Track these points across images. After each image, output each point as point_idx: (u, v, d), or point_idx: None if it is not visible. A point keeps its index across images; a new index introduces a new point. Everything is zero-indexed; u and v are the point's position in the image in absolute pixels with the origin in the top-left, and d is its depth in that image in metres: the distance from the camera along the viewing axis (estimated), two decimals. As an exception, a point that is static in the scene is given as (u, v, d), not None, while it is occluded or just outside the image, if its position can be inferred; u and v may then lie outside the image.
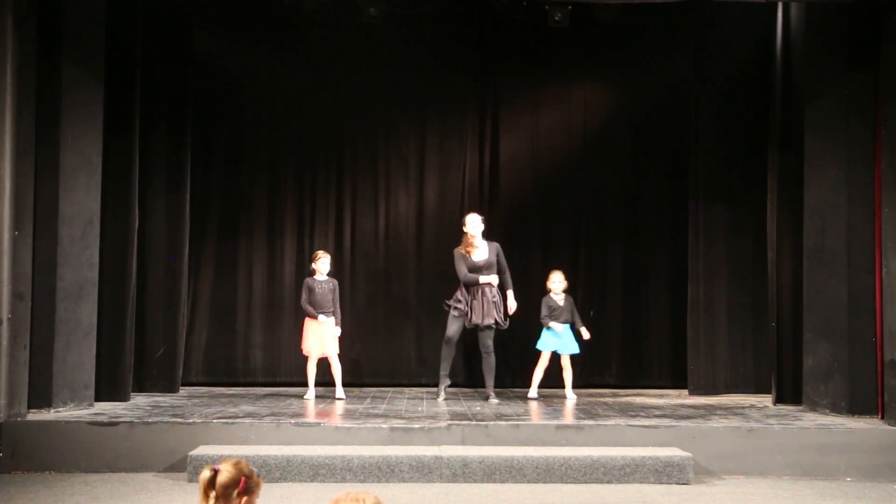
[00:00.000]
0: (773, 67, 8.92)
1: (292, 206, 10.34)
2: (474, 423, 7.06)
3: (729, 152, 9.60)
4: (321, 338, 8.67)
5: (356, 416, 7.45)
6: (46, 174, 7.39)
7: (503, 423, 7.10)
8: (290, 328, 9.99)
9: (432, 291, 9.74)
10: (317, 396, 8.72)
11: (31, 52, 7.13)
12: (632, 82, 10.55)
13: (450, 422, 7.08)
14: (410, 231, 10.44)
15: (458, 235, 9.03)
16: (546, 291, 9.02)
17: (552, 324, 8.88)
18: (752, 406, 8.57)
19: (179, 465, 6.56)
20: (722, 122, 9.60)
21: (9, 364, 6.84)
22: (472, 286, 8.60)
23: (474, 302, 8.58)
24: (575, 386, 9.22)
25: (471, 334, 8.87)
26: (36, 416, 7.11)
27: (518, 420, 7.30)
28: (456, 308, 8.58)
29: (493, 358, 8.68)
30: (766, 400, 8.90)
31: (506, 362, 9.82)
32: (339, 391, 8.75)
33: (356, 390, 9.51)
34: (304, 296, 8.74)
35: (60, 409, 7.40)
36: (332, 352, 8.72)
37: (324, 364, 8.81)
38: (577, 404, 8.56)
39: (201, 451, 6.43)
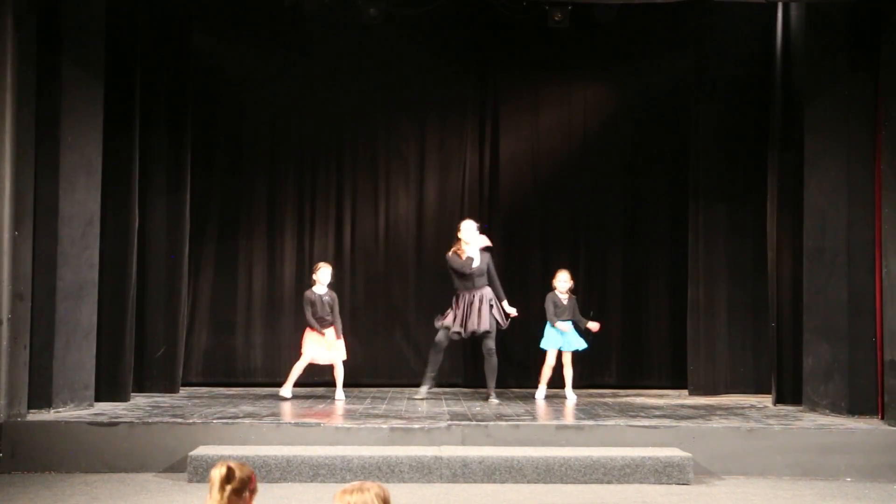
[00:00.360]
0: (773, 67, 8.92)
1: (292, 206, 10.34)
2: (474, 423, 7.06)
3: (729, 152, 9.60)
4: (324, 347, 8.66)
5: (356, 417, 7.44)
6: (46, 174, 7.39)
7: (503, 423, 7.10)
8: (290, 328, 9.99)
9: (432, 291, 9.75)
10: (316, 397, 8.72)
11: (31, 52, 7.13)
12: (632, 82, 10.55)
13: (450, 422, 7.08)
14: (410, 231, 10.44)
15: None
16: (551, 289, 9.01)
17: (559, 323, 8.87)
18: (752, 406, 8.58)
19: (179, 466, 6.56)
20: (722, 122, 9.60)
21: (9, 364, 6.83)
22: (461, 294, 8.60)
23: (470, 309, 8.57)
24: (575, 386, 9.23)
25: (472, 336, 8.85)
26: (36, 416, 7.11)
27: (518, 420, 7.30)
28: (442, 321, 8.60)
29: (495, 359, 8.68)
30: (766, 400, 8.90)
31: (507, 361, 9.84)
32: (340, 392, 8.74)
33: (356, 390, 9.50)
34: (307, 311, 8.70)
35: (60, 409, 7.40)
36: (338, 359, 8.73)
37: (317, 367, 8.83)
38: (577, 404, 8.56)
39: (201, 451, 6.43)
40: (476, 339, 8.78)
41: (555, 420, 7.41)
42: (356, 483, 2.94)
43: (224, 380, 9.98)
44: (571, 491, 6.19)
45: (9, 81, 6.83)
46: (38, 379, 7.26)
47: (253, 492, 3.20)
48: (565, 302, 8.97)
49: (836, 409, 7.78)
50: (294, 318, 9.93)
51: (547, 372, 9.00)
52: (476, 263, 8.66)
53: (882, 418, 7.45)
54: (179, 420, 7.02)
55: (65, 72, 7.54)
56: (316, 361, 8.73)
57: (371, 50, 10.07)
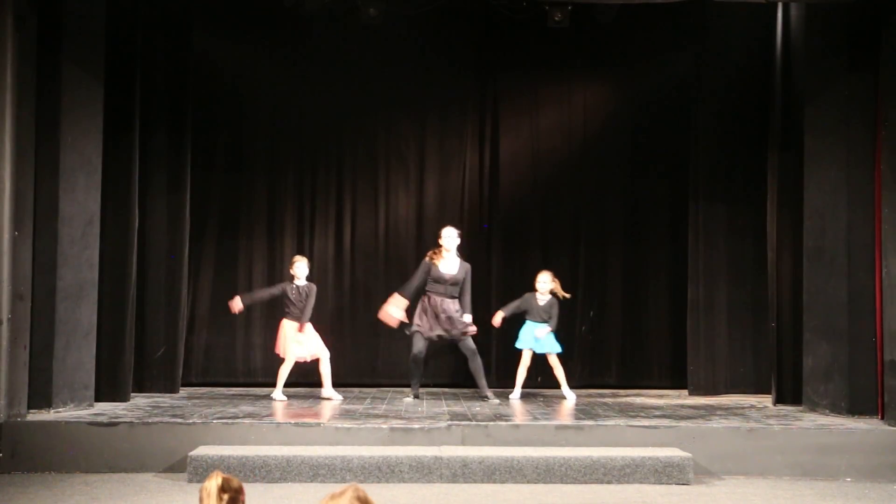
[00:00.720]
0: (773, 67, 8.92)
1: (292, 206, 10.34)
2: (474, 423, 7.06)
3: (729, 152, 9.60)
4: (305, 344, 8.65)
5: (356, 416, 7.44)
6: (46, 174, 7.39)
7: (503, 423, 7.10)
8: (290, 328, 9.98)
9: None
10: (316, 397, 8.72)
11: (31, 52, 7.13)
12: (632, 82, 10.55)
13: (450, 422, 7.08)
14: (410, 231, 10.44)
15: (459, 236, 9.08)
16: (533, 290, 9.02)
17: (529, 323, 8.85)
18: (752, 406, 8.58)
19: (179, 466, 6.56)
20: (722, 123, 9.61)
21: (9, 364, 6.84)
22: (427, 297, 8.64)
23: (438, 315, 8.59)
24: (575, 386, 9.24)
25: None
26: (36, 416, 7.12)
27: (518, 420, 7.30)
28: (417, 327, 8.61)
29: (478, 360, 8.69)
30: (766, 400, 8.90)
31: (507, 363, 9.88)
32: (329, 390, 8.69)
33: (356, 390, 9.51)
34: (274, 295, 8.76)
35: (60, 409, 7.40)
36: (323, 354, 8.69)
37: (313, 366, 8.83)
38: (577, 404, 8.55)
39: (201, 451, 6.43)
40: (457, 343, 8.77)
41: (555, 420, 7.42)
42: (335, 491, 2.94)
43: (224, 380, 9.97)
44: (571, 491, 6.19)
45: (9, 81, 6.83)
46: (38, 379, 7.27)
47: (243, 502, 3.21)
48: (541, 303, 8.95)
49: (836, 409, 7.78)
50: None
51: (521, 373, 9.00)
52: (453, 272, 8.65)
53: (882, 418, 7.45)
54: (179, 420, 7.02)
55: (65, 72, 7.54)
56: (301, 359, 8.70)
57: (371, 50, 10.07)
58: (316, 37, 10.11)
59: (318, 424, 6.94)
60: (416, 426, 6.94)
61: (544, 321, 8.91)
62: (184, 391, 9.22)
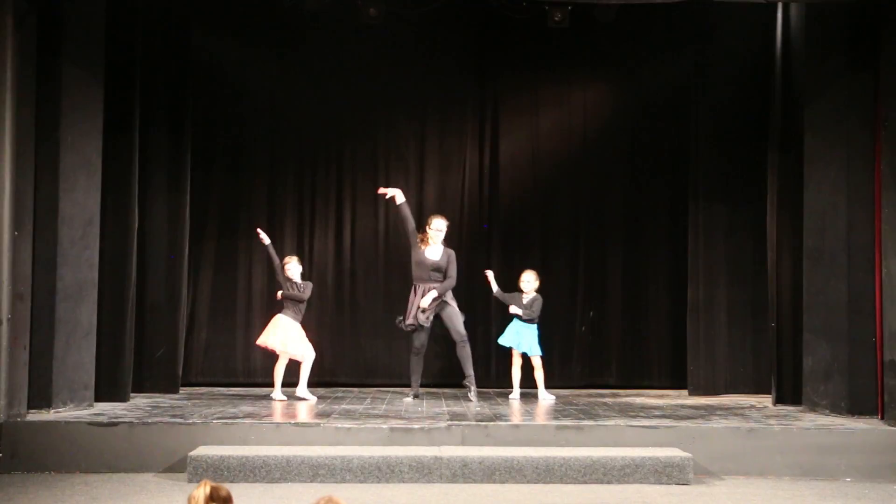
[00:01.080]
0: (773, 68, 8.92)
1: (292, 206, 10.34)
2: (474, 423, 7.06)
3: (729, 152, 9.60)
4: (298, 338, 8.65)
5: (356, 417, 7.44)
6: (46, 174, 7.39)
7: (503, 423, 7.10)
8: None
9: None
10: (315, 397, 8.72)
11: (31, 52, 7.13)
12: (632, 82, 10.55)
13: (450, 422, 7.08)
14: (410, 231, 10.42)
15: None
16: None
17: (516, 322, 8.87)
18: (752, 406, 8.58)
19: (179, 466, 6.56)
20: (722, 122, 9.61)
21: (9, 364, 6.83)
22: (418, 283, 8.66)
23: (417, 299, 8.59)
24: (575, 386, 9.24)
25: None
26: (36, 416, 7.11)
27: (518, 420, 7.30)
28: (410, 323, 8.60)
29: (468, 347, 8.65)
30: (766, 400, 8.90)
31: (495, 363, 9.91)
32: (303, 390, 8.67)
33: (356, 390, 9.52)
34: (286, 286, 8.68)
35: (60, 409, 7.40)
36: (308, 355, 8.69)
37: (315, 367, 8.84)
38: (577, 404, 8.55)
39: (201, 451, 6.43)
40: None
41: (555, 420, 7.41)
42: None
43: (224, 380, 9.98)
44: (571, 491, 6.19)
45: (9, 81, 6.82)
46: (38, 379, 7.26)
47: None
48: (524, 301, 8.95)
49: (836, 409, 7.78)
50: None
51: (515, 373, 9.01)
52: (436, 258, 8.65)
53: (882, 418, 7.45)
54: (179, 420, 7.02)
55: (65, 72, 7.54)
56: (292, 356, 8.69)
57: (371, 50, 10.07)
58: (316, 37, 10.12)
59: (318, 424, 6.94)
60: (416, 426, 6.94)
61: (528, 320, 8.91)
62: (184, 391, 9.22)
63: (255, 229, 9.04)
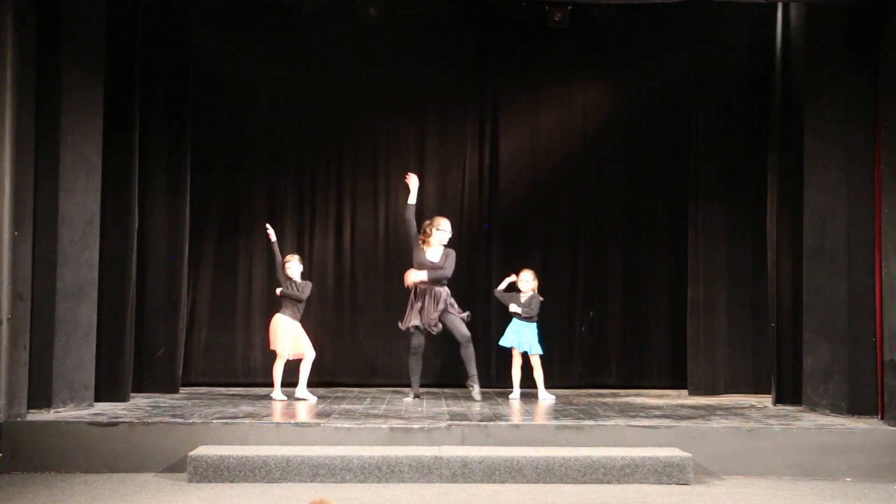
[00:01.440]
0: (773, 67, 8.91)
1: (292, 206, 10.34)
2: (474, 423, 7.06)
3: (729, 152, 9.60)
4: (294, 338, 8.65)
5: (356, 416, 7.44)
6: (46, 174, 7.39)
7: (503, 423, 7.10)
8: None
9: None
10: (315, 396, 8.73)
11: (31, 52, 7.12)
12: (632, 82, 10.55)
13: (450, 422, 7.08)
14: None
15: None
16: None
17: (515, 321, 8.88)
18: (752, 406, 8.58)
19: (179, 466, 6.55)
20: (722, 122, 9.61)
21: (9, 364, 6.83)
22: (416, 289, 8.64)
23: (427, 303, 8.58)
24: (575, 386, 9.24)
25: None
26: (36, 416, 7.11)
27: (518, 420, 7.30)
28: (412, 326, 8.59)
29: (471, 347, 8.65)
30: (766, 400, 8.90)
31: (495, 363, 9.92)
32: (303, 390, 8.67)
33: (356, 390, 9.52)
34: (287, 286, 8.69)
35: (60, 409, 7.40)
36: (308, 354, 8.70)
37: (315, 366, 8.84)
38: (577, 404, 8.55)
39: (201, 451, 6.43)
40: (475, 336, 8.77)
41: (555, 420, 7.41)
42: None
43: (224, 380, 9.98)
44: (571, 491, 6.19)
45: (9, 81, 6.82)
46: (38, 379, 7.26)
47: None
48: (523, 300, 8.95)
49: (836, 409, 7.78)
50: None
51: (515, 373, 9.01)
52: (436, 259, 8.66)
53: (882, 418, 7.45)
54: (179, 420, 7.02)
55: (65, 72, 7.53)
56: (291, 357, 8.69)
57: (371, 50, 10.08)
58: (316, 37, 10.12)
59: (318, 424, 6.94)
60: (416, 426, 6.94)
61: (527, 318, 8.91)
62: (184, 391, 9.22)
63: (263, 225, 9.05)
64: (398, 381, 9.89)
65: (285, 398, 8.58)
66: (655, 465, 6.43)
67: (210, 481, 6.23)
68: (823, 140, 8.06)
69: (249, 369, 10.13)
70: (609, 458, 6.45)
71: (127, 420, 6.96)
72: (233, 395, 9.09)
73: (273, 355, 8.80)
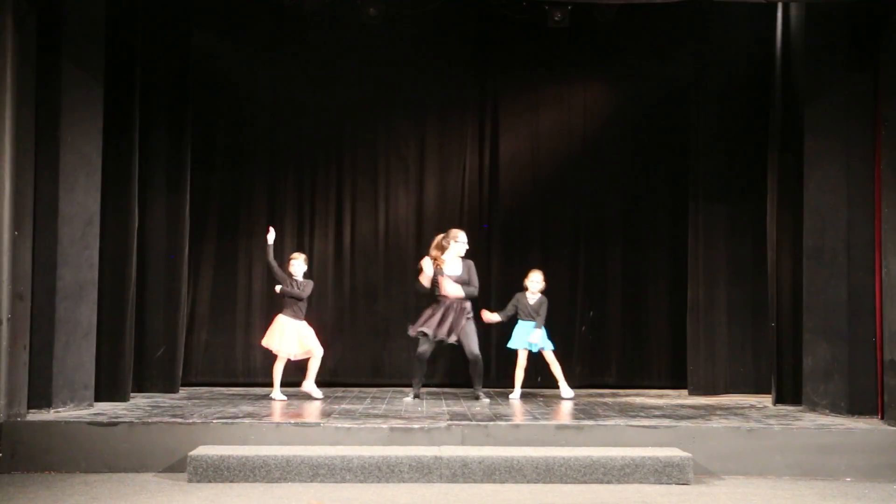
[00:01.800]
0: (773, 67, 8.91)
1: (292, 206, 10.35)
2: (474, 423, 7.06)
3: (729, 153, 9.60)
4: (299, 338, 8.65)
5: (356, 416, 7.44)
6: (46, 174, 7.39)
7: (503, 423, 7.09)
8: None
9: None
10: (314, 397, 8.73)
11: (31, 52, 7.12)
12: (632, 82, 10.56)
13: (450, 422, 7.07)
14: (410, 231, 10.45)
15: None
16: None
17: (522, 322, 8.89)
18: (751, 406, 8.58)
19: (179, 466, 6.56)
20: (722, 123, 9.61)
21: (9, 364, 6.83)
22: (437, 298, 8.60)
23: (444, 316, 8.56)
24: (575, 386, 9.23)
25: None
26: (36, 416, 7.11)
27: (518, 420, 7.30)
28: (423, 333, 8.57)
29: (480, 363, 8.69)
30: (766, 400, 8.90)
31: (495, 363, 9.94)
32: (311, 385, 8.69)
33: (356, 390, 9.52)
34: (287, 285, 8.68)
35: (60, 409, 7.40)
36: (315, 352, 8.69)
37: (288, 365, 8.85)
38: (577, 404, 8.55)
39: (201, 451, 6.43)
40: (460, 345, 8.75)
41: (555, 420, 7.41)
42: None
43: (224, 380, 9.99)
44: (571, 491, 6.19)
45: (9, 81, 6.82)
46: (38, 379, 7.26)
47: None
48: (531, 302, 8.95)
49: (835, 409, 7.78)
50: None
51: (519, 373, 9.01)
52: (457, 272, 8.66)
53: (882, 418, 7.45)
54: (179, 420, 7.01)
55: (65, 72, 7.53)
56: (292, 357, 8.69)
57: (371, 50, 10.08)
58: (316, 36, 10.12)
59: (318, 424, 6.94)
60: (416, 426, 6.94)
61: (534, 320, 8.92)
62: (183, 391, 9.22)
63: (266, 227, 9.03)
64: (398, 381, 9.90)
65: (285, 398, 8.58)
66: (655, 465, 6.43)
67: (210, 481, 6.23)
68: (823, 140, 8.06)
69: (249, 369, 10.13)
70: (609, 458, 6.45)
71: (127, 420, 6.96)
72: (233, 395, 9.09)
73: (274, 355, 8.79)
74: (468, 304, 8.67)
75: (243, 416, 7.28)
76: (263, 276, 10.21)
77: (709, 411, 8.11)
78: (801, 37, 8.51)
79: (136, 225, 8.64)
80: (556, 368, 9.01)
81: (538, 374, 9.54)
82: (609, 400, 9.01)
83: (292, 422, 7.06)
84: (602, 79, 10.67)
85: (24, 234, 7.08)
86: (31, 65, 7.15)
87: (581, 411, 8.01)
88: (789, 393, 8.56)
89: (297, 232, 10.33)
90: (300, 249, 10.23)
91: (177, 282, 9.26)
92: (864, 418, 7.54)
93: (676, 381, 10.03)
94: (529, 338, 8.90)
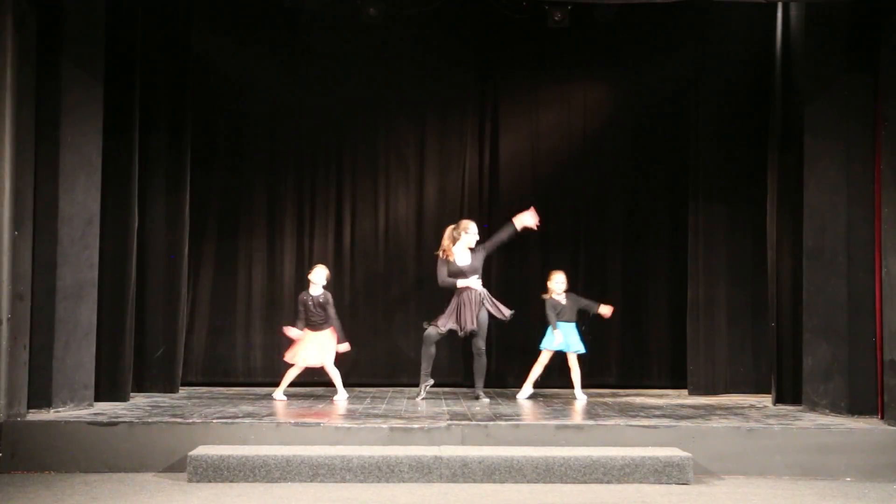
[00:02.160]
0: (773, 67, 8.91)
1: (292, 206, 10.35)
2: (474, 423, 7.06)
3: (729, 152, 9.60)
4: (318, 349, 8.65)
5: (356, 416, 7.45)
6: (46, 174, 7.39)
7: (503, 423, 7.10)
8: (290, 328, 10.00)
9: (432, 291, 9.74)
10: (316, 396, 8.72)
11: (30, 52, 7.13)
12: (632, 82, 10.55)
13: (450, 422, 7.08)
14: (410, 231, 10.44)
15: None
16: (545, 291, 9.01)
17: (560, 324, 8.87)
18: (751, 406, 8.58)
19: (179, 465, 6.56)
20: (722, 122, 9.61)
21: (9, 364, 6.83)
22: (454, 294, 8.59)
23: (462, 309, 8.56)
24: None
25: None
26: (36, 416, 7.12)
27: (518, 420, 7.30)
28: (433, 325, 8.58)
29: (484, 360, 8.71)
30: (766, 400, 8.90)
31: (508, 361, 9.92)
32: (341, 392, 8.73)
33: (356, 390, 9.51)
34: (299, 312, 8.71)
35: (60, 409, 7.41)
36: (328, 362, 8.70)
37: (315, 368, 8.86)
38: (577, 404, 8.55)
39: (201, 451, 6.43)
40: (467, 338, 8.77)
41: (555, 420, 7.41)
42: None
43: (224, 380, 9.99)
44: (571, 491, 6.19)
45: (9, 81, 6.82)
46: (38, 379, 7.26)
47: None
48: (564, 302, 8.97)
49: (835, 409, 7.78)
50: (294, 317, 9.94)
51: (536, 371, 8.99)
52: (468, 261, 8.65)
53: (882, 418, 7.45)
54: (179, 420, 7.02)
55: (65, 72, 7.54)
56: (310, 365, 8.71)
57: (371, 50, 10.08)
58: (316, 37, 10.12)
59: (318, 424, 6.94)
60: (416, 426, 6.94)
61: (571, 320, 8.92)
62: (183, 391, 9.22)
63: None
64: (398, 380, 9.90)
65: (285, 398, 8.59)
66: (655, 464, 6.43)
67: (210, 481, 6.23)
68: (823, 140, 8.06)
69: (249, 369, 10.14)
70: (609, 458, 6.45)
71: (127, 420, 6.96)
72: (233, 395, 9.09)
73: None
74: (482, 292, 8.66)
75: (243, 416, 7.29)
76: (263, 276, 10.23)
77: (709, 411, 8.11)
78: (801, 37, 8.51)
79: (136, 225, 8.64)
80: (577, 374, 8.98)
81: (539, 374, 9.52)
82: (609, 400, 9.01)
83: (292, 422, 7.06)
84: (602, 79, 10.67)
85: (24, 234, 7.08)
86: (31, 65, 7.15)
87: (581, 411, 8.01)
88: (789, 393, 8.56)
89: (297, 232, 10.33)
90: (300, 249, 10.27)
91: (177, 282, 9.26)
92: (864, 418, 7.54)
93: (676, 380, 10.03)
94: (569, 339, 8.89)
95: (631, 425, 7.07)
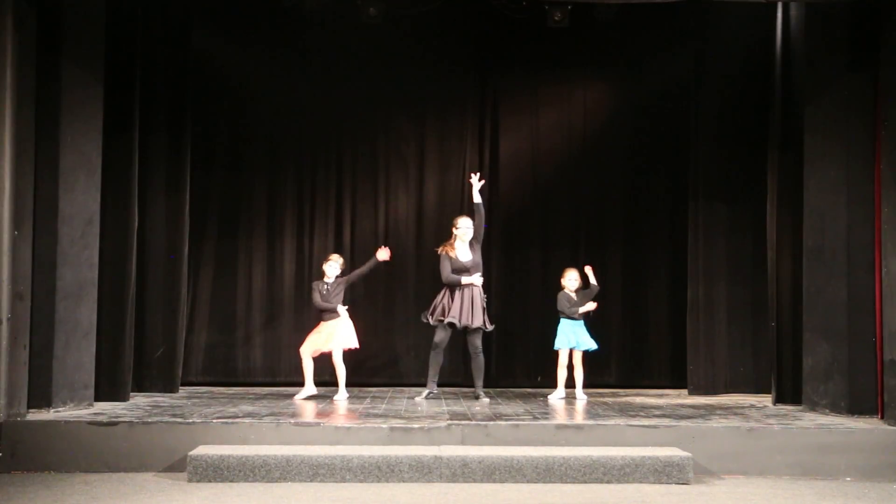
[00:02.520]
0: (773, 67, 8.91)
1: (292, 206, 10.35)
2: (474, 423, 7.06)
3: (729, 152, 9.60)
4: (329, 335, 8.65)
5: (356, 416, 7.45)
6: (46, 174, 7.39)
7: (503, 423, 7.09)
8: (290, 328, 10.01)
9: (432, 291, 9.73)
10: (316, 396, 8.73)
11: (30, 52, 7.12)
12: (632, 82, 10.56)
13: (450, 422, 7.07)
14: (410, 231, 10.45)
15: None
16: (560, 288, 9.01)
17: (570, 322, 8.87)
18: (751, 406, 8.58)
19: (179, 465, 6.56)
20: (722, 122, 9.61)
21: (9, 364, 6.83)
22: (455, 288, 8.58)
23: (462, 305, 8.55)
24: (575, 385, 9.22)
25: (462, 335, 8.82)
26: (35, 416, 7.11)
27: (518, 420, 7.30)
28: (438, 319, 8.56)
29: (481, 358, 8.70)
30: (766, 400, 8.90)
31: (509, 360, 9.92)
32: (342, 391, 8.73)
33: (356, 390, 9.51)
34: (315, 296, 8.75)
35: (60, 409, 7.41)
36: (336, 349, 8.70)
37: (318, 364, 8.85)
38: (577, 404, 8.56)
39: (201, 451, 6.43)
40: (462, 334, 8.75)
41: (555, 420, 7.41)
42: None
43: (224, 379, 9.99)
44: (571, 491, 6.19)
45: (9, 81, 6.82)
46: (38, 379, 7.26)
47: None
48: (577, 299, 8.98)
49: (835, 409, 7.78)
50: (294, 317, 9.94)
51: (562, 373, 8.96)
52: (470, 256, 8.65)
53: (882, 418, 7.45)
54: (179, 420, 7.02)
55: (65, 72, 7.54)
56: (319, 351, 8.72)
57: (371, 50, 10.09)
58: (316, 36, 10.13)
59: (318, 424, 6.94)
60: (416, 426, 6.94)
61: (579, 317, 8.92)
62: (183, 391, 9.23)
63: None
64: (398, 380, 9.91)
65: (315, 390, 8.67)
66: (655, 464, 6.43)
67: (210, 481, 6.23)
68: (823, 139, 8.06)
69: (249, 369, 10.15)
70: (609, 458, 6.45)
71: (127, 420, 6.96)
72: (232, 394, 9.09)
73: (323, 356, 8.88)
74: (479, 290, 8.66)
75: (243, 416, 7.29)
76: (263, 276, 10.24)
77: (709, 411, 8.11)
78: (801, 37, 8.51)
79: (136, 225, 8.64)
80: (580, 372, 8.98)
81: (538, 374, 9.54)
82: (609, 400, 9.01)
83: (292, 421, 7.06)
84: (602, 79, 10.68)
85: (24, 234, 7.08)
86: (31, 65, 7.15)
87: (581, 411, 8.01)
88: (789, 393, 8.56)
89: (296, 232, 10.34)
90: (300, 249, 10.27)
91: (177, 282, 9.26)
92: (864, 418, 7.54)
93: (676, 380, 10.04)
94: (580, 337, 8.91)
95: (631, 425, 7.07)
